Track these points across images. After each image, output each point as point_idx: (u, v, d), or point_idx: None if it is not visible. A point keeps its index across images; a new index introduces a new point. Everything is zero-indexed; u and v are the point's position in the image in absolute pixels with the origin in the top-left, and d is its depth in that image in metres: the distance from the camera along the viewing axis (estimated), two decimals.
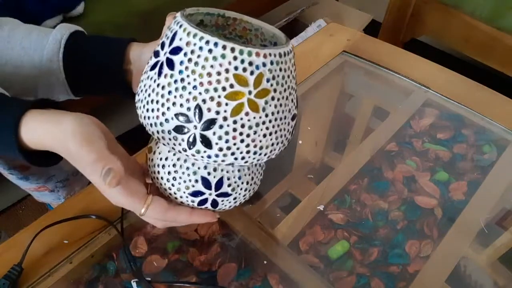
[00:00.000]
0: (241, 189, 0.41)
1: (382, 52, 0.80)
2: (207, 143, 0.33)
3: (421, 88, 0.73)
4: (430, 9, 1.37)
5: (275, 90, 0.34)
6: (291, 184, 0.62)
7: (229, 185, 0.39)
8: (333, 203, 0.58)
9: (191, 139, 0.34)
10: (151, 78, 0.35)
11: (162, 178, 0.39)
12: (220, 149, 0.34)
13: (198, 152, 0.34)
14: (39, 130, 0.36)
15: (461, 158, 0.64)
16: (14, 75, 0.47)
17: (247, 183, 0.41)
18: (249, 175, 0.41)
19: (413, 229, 0.55)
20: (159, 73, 0.34)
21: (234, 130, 0.33)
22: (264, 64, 0.32)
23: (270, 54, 0.32)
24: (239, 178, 0.40)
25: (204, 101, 0.32)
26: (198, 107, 0.32)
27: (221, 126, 0.33)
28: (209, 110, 0.32)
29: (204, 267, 0.50)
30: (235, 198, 0.41)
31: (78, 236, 0.51)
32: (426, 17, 1.40)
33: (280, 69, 0.34)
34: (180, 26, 0.33)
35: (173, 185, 0.39)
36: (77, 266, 0.49)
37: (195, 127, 0.33)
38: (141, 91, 0.37)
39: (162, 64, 0.34)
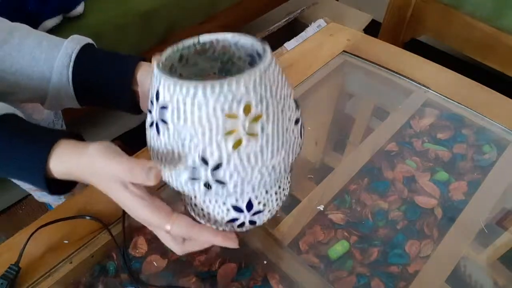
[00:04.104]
0: (271, 201, 0.42)
1: (382, 52, 0.80)
2: (221, 182, 0.34)
3: (421, 88, 0.73)
4: (430, 9, 1.37)
5: (267, 109, 0.33)
6: (291, 184, 0.62)
7: (259, 203, 0.40)
8: (333, 203, 0.58)
9: (206, 185, 0.35)
10: (152, 137, 0.37)
11: (198, 215, 0.42)
12: (235, 184, 0.35)
13: (217, 193, 0.36)
14: (67, 163, 0.38)
15: (461, 158, 0.64)
16: (24, 83, 0.48)
17: (276, 193, 0.42)
18: (275, 185, 0.42)
19: (413, 229, 0.55)
20: (158, 132, 0.35)
21: (241, 161, 0.34)
22: (247, 92, 0.32)
23: (250, 79, 0.32)
24: (266, 192, 0.40)
25: (204, 147, 0.33)
26: (201, 155, 0.33)
27: (228, 163, 0.33)
28: (211, 154, 0.33)
29: (204, 267, 0.50)
30: (269, 210, 0.42)
31: (78, 236, 0.51)
32: (426, 17, 1.40)
33: (265, 87, 0.33)
34: (160, 82, 0.34)
35: (209, 219, 0.41)
36: (77, 266, 0.49)
37: (205, 174, 0.34)
38: (151, 148, 0.38)
39: (157, 123, 0.35)
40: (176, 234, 0.40)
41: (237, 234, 0.53)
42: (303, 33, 1.43)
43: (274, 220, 0.55)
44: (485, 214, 0.56)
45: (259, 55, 0.39)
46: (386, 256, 0.52)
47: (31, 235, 0.49)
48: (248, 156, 0.34)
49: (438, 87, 0.72)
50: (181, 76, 0.41)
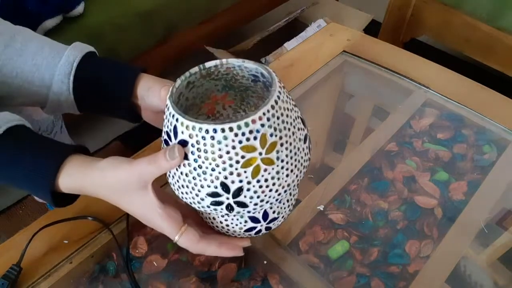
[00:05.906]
0: (284, 208, 0.45)
1: (382, 52, 0.80)
2: (242, 205, 0.38)
3: (421, 88, 0.73)
4: (430, 9, 1.37)
5: (280, 138, 0.36)
6: None
7: (273, 212, 0.44)
8: (333, 203, 0.58)
9: (228, 207, 0.38)
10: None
11: (217, 226, 0.45)
12: (255, 204, 0.38)
13: (238, 213, 0.39)
14: (77, 178, 0.39)
15: (461, 158, 0.64)
16: (24, 89, 0.48)
17: (288, 200, 0.45)
18: (288, 195, 0.45)
19: (413, 229, 0.55)
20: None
21: (260, 187, 0.37)
22: (262, 125, 0.35)
23: (264, 114, 0.35)
24: (280, 201, 0.43)
25: (225, 177, 0.36)
26: (222, 183, 0.36)
27: (248, 189, 0.37)
28: (233, 182, 0.36)
29: (204, 267, 0.50)
30: (283, 216, 0.46)
31: (78, 236, 0.51)
32: (426, 17, 1.40)
33: (277, 117, 0.36)
34: (177, 120, 0.36)
35: (228, 230, 0.44)
36: (77, 266, 0.49)
37: (227, 198, 0.37)
38: (171, 177, 0.40)
39: None
40: (182, 246, 0.42)
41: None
42: (303, 33, 1.43)
43: None
44: (485, 214, 0.56)
45: (262, 75, 0.41)
46: (386, 256, 0.52)
47: (33, 236, 0.49)
48: (267, 180, 0.37)
49: (438, 87, 0.72)
50: (187, 100, 0.43)
